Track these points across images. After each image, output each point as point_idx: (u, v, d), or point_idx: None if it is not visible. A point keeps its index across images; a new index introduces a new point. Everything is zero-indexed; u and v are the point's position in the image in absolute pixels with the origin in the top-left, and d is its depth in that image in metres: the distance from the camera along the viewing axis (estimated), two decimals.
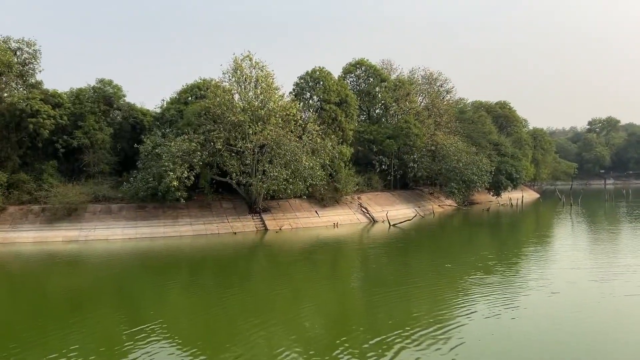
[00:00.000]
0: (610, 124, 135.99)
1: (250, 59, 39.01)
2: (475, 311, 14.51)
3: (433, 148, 53.82)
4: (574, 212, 49.69)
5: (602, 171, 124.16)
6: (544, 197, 76.11)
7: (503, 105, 76.42)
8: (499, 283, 18.17)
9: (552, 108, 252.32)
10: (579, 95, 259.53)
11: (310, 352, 11.49)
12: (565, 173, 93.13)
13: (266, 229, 37.45)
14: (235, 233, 35.83)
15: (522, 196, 65.43)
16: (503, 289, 17.17)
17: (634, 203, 59.39)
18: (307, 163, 37.62)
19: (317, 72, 45.68)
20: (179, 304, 17.10)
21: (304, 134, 40.03)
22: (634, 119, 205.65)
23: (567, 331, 12.75)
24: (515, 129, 74.77)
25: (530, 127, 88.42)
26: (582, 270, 20.46)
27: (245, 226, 37.41)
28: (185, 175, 34.97)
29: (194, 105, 40.23)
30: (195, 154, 35.68)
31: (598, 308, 14.83)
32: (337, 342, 12.20)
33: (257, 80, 39.02)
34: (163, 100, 45.55)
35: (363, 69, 54.09)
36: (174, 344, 12.46)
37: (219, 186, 40.17)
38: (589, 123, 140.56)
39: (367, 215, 43.79)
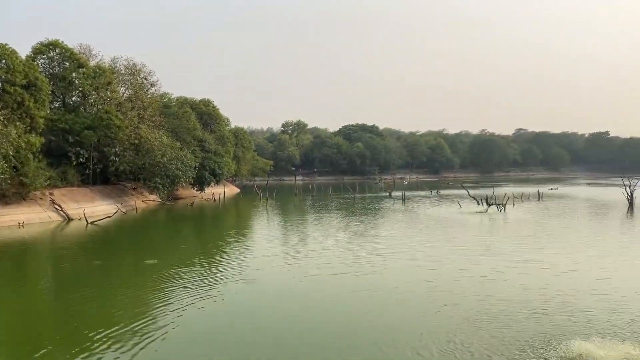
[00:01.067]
0: (300, 127, 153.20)
1: None
2: (177, 305, 14.44)
3: (136, 142, 51.87)
4: (270, 205, 54.32)
5: (294, 168, 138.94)
6: (243, 192, 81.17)
7: (207, 103, 78.47)
8: (201, 276, 18.50)
9: (252, 109, 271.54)
10: (274, 99, 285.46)
11: None
12: (262, 170, 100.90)
13: None
14: None
15: (224, 191, 68.44)
16: (204, 281, 17.53)
17: (317, 196, 68.15)
18: None
19: None
20: None
21: None
22: (318, 123, 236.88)
23: (263, 315, 13.72)
24: (219, 127, 77.58)
25: (233, 126, 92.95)
26: (275, 257, 22.36)
27: None
28: None
29: None
30: None
31: (291, 291, 16.41)
32: None
33: None
34: None
35: (57, 51, 48.69)
36: None
37: None
38: (283, 125, 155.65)
39: (61, 212, 39.64)
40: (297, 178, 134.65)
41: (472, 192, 55.04)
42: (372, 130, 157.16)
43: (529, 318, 13.07)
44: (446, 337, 11.66)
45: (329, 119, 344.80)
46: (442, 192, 73.53)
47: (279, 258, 22.31)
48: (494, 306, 14.22)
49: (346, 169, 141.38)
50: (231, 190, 79.73)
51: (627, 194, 46.79)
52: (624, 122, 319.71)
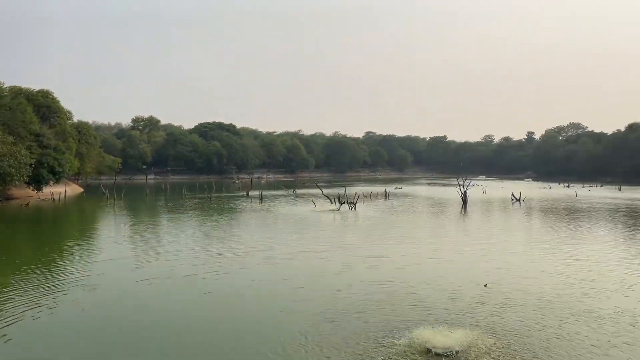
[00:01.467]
0: (152, 123, 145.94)
1: None
2: (3, 316, 12.86)
3: None
4: (118, 206, 51.08)
5: (145, 167, 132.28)
6: (88, 191, 75.38)
7: (46, 94, 71.68)
8: (36, 284, 16.69)
9: (98, 102, 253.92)
10: (123, 92, 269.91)
11: None
12: (110, 168, 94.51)
13: None
14: None
15: (66, 190, 62.94)
16: (39, 290, 15.85)
17: (171, 196, 65.67)
18: None
19: None
20: None
21: None
22: (172, 120, 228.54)
23: (99, 324, 12.77)
24: (59, 121, 71.34)
25: (75, 120, 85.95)
26: (122, 260, 20.98)
27: None
28: None
29: None
30: None
31: (137, 295, 15.47)
32: None
33: None
34: None
35: None
36: None
37: None
38: (133, 121, 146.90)
39: None
40: (149, 177, 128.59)
41: (325, 191, 56.92)
42: (230, 129, 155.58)
43: (376, 310, 13.76)
44: (299, 332, 11.83)
45: (183, 116, 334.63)
46: (298, 191, 75.00)
47: (127, 261, 21.00)
48: (345, 299, 14.75)
49: (202, 168, 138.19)
50: (74, 189, 73.64)
51: (461, 193, 51.62)
52: (459, 128, 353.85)
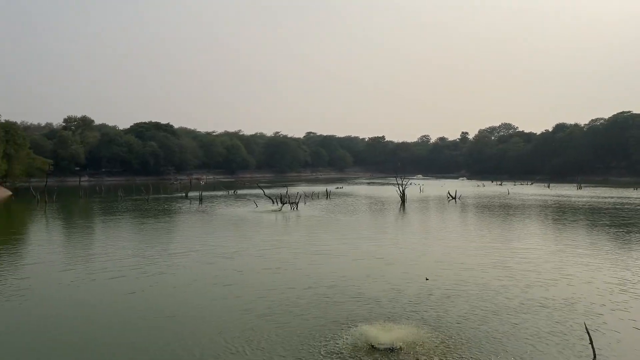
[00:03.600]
0: (85, 123, 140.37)
1: None
2: None
3: None
4: (50, 209, 48.84)
5: (78, 168, 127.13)
6: (17, 194, 71.60)
7: None
8: None
9: (27, 101, 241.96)
10: (54, 91, 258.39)
11: None
12: (40, 170, 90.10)
13: None
14: None
15: None
16: None
17: (106, 198, 63.43)
18: None
19: None
20: None
21: None
22: (107, 120, 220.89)
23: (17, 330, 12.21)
24: None
25: (3, 120, 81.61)
26: (50, 264, 20.06)
27: None
28: None
29: None
30: None
31: (61, 296, 14.88)
32: None
33: None
34: None
35: None
36: None
37: None
38: (65, 121, 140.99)
39: None
40: (83, 179, 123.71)
41: (267, 191, 56.64)
42: (167, 129, 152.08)
43: (318, 307, 13.76)
44: (240, 334, 11.64)
45: (118, 116, 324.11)
46: (239, 192, 74.31)
47: (54, 265, 20.14)
48: (284, 297, 14.68)
49: (139, 169, 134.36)
50: (2, 193, 69.88)
51: (400, 191, 52.75)
52: (396, 128, 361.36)
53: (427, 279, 16.78)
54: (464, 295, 14.95)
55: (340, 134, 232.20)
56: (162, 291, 15.83)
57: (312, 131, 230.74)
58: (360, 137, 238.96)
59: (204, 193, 63.29)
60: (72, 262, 20.71)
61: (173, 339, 11.46)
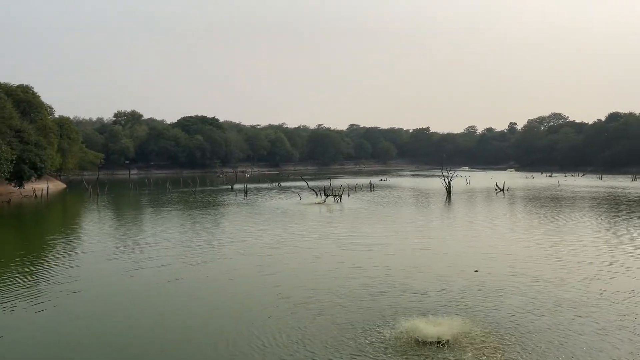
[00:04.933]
0: (134, 118, 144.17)
1: None
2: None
3: None
4: (101, 201, 50.42)
5: (127, 162, 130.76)
6: (71, 187, 74.25)
7: (26, 89, 70.39)
8: (23, 281, 16.34)
9: (80, 97, 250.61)
10: (105, 86, 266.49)
11: None
12: (92, 163, 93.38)
13: None
14: None
15: (48, 187, 61.93)
16: (26, 287, 15.51)
17: (154, 191, 64.99)
18: None
19: None
20: None
21: None
22: (154, 114, 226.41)
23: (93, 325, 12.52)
24: (40, 116, 70.12)
25: (57, 115, 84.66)
26: (101, 252, 20.63)
27: None
28: None
29: None
30: None
31: (113, 284, 15.22)
32: None
33: None
34: None
35: None
36: None
37: None
38: (115, 115, 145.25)
39: None
40: (132, 172, 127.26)
41: (311, 184, 56.70)
42: (213, 122, 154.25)
43: (364, 299, 13.53)
44: (276, 325, 11.52)
45: (166, 110, 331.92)
46: (283, 184, 74.72)
47: (105, 253, 20.76)
48: (329, 289, 14.52)
49: (185, 162, 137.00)
50: (56, 185, 72.54)
51: (446, 183, 51.81)
52: (441, 119, 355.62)
53: (476, 271, 16.31)
54: (517, 288, 14.40)
55: (384, 125, 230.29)
56: (206, 281, 16.02)
57: (355, 123, 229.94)
58: (405, 129, 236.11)
59: (249, 185, 63.91)
60: (122, 251, 21.28)
61: (219, 323, 11.56)
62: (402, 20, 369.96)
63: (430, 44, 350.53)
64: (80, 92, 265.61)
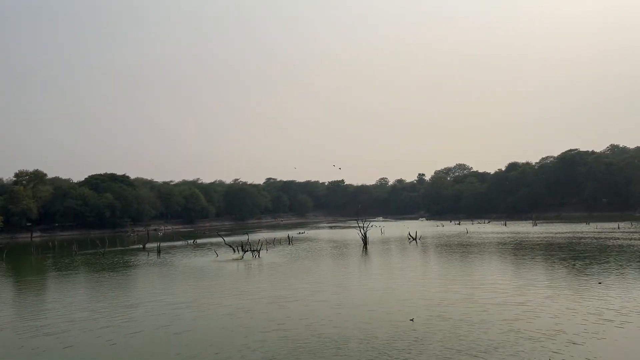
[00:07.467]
0: (37, 177, 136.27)
1: None
2: None
3: None
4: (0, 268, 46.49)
5: (29, 224, 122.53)
6: None
7: None
8: None
9: None
10: (4, 144, 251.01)
11: None
12: None
13: None
14: None
15: None
16: None
17: (59, 254, 60.93)
18: None
19: None
20: None
21: None
22: (60, 173, 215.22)
23: None
24: None
25: None
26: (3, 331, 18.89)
27: None
28: None
29: None
30: None
31: None
32: None
33: None
34: None
35: None
36: None
37: None
38: (16, 175, 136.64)
39: None
40: (35, 234, 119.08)
41: (228, 239, 55.65)
42: (123, 180, 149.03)
43: (281, 352, 13.32)
44: None
45: (72, 169, 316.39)
46: (199, 241, 72.80)
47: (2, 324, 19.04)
48: (247, 345, 14.16)
49: (94, 222, 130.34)
50: None
51: (362, 234, 52.77)
52: (355, 171, 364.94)
53: (411, 320, 16.58)
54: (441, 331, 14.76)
55: (300, 179, 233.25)
56: (105, 345, 15.04)
57: (272, 177, 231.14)
58: (321, 181, 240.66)
59: (162, 244, 61.67)
60: (18, 320, 19.55)
61: None
62: (313, 73, 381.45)
63: (341, 95, 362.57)
64: None
